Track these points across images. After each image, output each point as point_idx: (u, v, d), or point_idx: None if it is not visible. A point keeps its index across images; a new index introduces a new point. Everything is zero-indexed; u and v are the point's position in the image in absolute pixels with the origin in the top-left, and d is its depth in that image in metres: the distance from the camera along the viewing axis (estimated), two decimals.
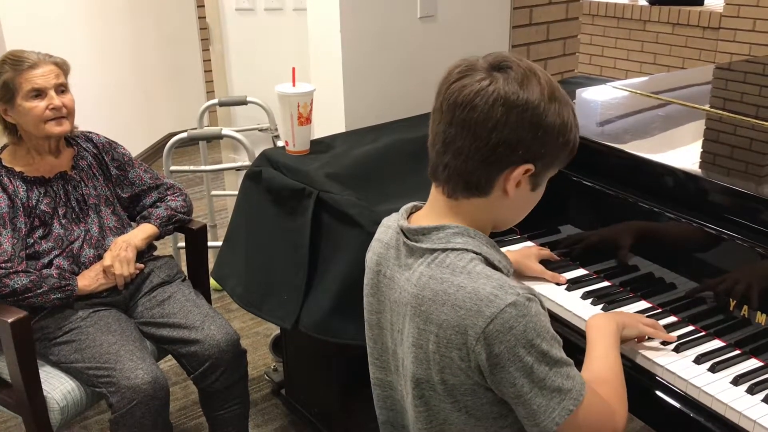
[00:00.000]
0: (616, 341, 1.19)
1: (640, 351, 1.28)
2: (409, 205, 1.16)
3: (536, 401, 1.00)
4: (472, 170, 1.03)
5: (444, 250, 1.05)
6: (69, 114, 1.89)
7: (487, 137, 1.00)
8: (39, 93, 1.83)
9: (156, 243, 2.09)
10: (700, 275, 1.35)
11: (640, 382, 1.25)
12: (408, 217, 1.14)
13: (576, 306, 1.43)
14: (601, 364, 1.15)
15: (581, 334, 1.38)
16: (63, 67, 1.90)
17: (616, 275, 1.51)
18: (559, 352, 1.02)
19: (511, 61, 1.02)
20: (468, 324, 0.99)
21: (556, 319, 1.44)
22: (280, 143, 2.06)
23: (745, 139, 1.72)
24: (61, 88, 1.88)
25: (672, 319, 1.38)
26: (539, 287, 1.50)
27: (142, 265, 1.99)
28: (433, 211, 1.10)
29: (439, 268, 1.04)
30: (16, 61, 1.82)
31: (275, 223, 1.89)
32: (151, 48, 4.73)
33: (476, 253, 1.04)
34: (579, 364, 1.36)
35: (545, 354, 0.99)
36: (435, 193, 1.10)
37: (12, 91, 1.82)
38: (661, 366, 1.25)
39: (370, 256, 1.19)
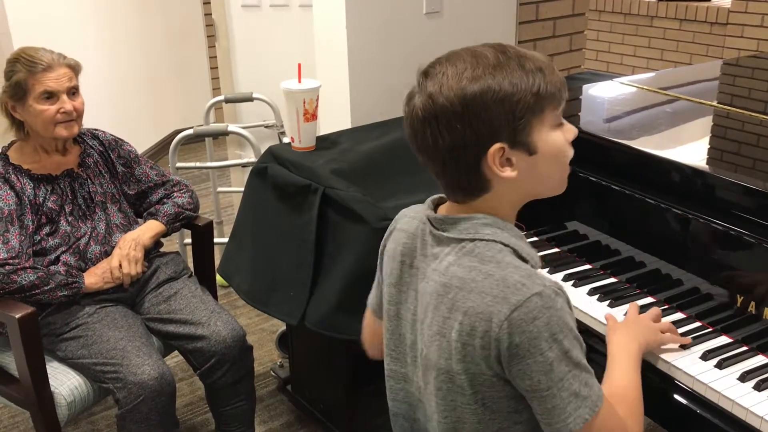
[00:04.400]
0: (637, 362, 1.17)
1: None
2: (435, 196, 1.15)
3: (552, 401, 0.99)
4: (458, 181, 1.04)
5: (472, 240, 1.04)
6: (78, 117, 1.89)
7: (438, 153, 1.02)
8: (51, 95, 1.83)
9: (162, 239, 2.09)
10: (708, 271, 1.34)
11: (647, 379, 1.24)
12: (434, 208, 1.15)
13: (582, 302, 1.43)
14: (622, 383, 1.13)
15: (588, 332, 1.38)
16: (75, 69, 1.89)
17: (622, 271, 1.50)
18: (581, 357, 1.01)
19: (428, 70, 1.04)
20: (493, 311, 0.98)
21: None
22: (285, 140, 2.06)
23: (753, 135, 1.72)
24: (73, 91, 1.88)
25: (679, 315, 1.38)
26: None
27: (146, 265, 1.99)
28: (455, 206, 1.11)
29: (468, 257, 1.04)
30: (31, 62, 1.81)
31: (281, 220, 1.89)
32: (157, 44, 4.74)
33: (505, 245, 1.04)
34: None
35: (566, 353, 0.98)
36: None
37: (24, 91, 1.82)
38: (668, 362, 1.24)
39: (394, 247, 1.18)
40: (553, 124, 1.04)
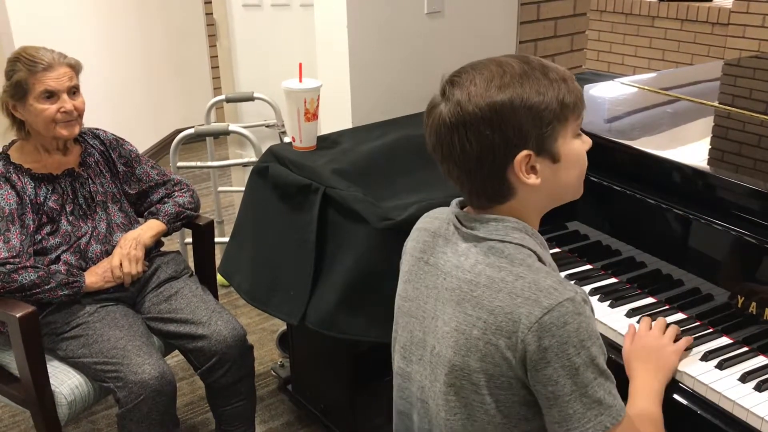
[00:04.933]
0: (660, 398, 1.17)
1: None
2: (459, 199, 1.16)
3: (573, 406, 0.99)
4: (481, 187, 1.06)
5: (502, 241, 1.06)
6: (79, 116, 1.89)
7: (465, 160, 1.03)
8: (51, 95, 1.83)
9: (163, 239, 2.10)
10: (708, 272, 1.34)
11: None
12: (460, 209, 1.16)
13: None
14: (643, 408, 1.13)
15: None
16: (76, 69, 1.89)
17: (623, 272, 1.50)
18: (605, 365, 1.02)
19: (454, 79, 1.04)
20: (523, 312, 0.99)
21: None
22: (286, 139, 2.06)
23: (754, 135, 1.72)
24: (73, 90, 1.88)
25: (679, 315, 1.38)
26: None
27: (146, 265, 2.00)
28: (481, 211, 1.11)
29: (496, 257, 1.05)
30: (31, 62, 1.81)
31: (282, 219, 1.89)
32: (158, 44, 4.74)
33: (532, 251, 1.06)
34: None
35: (593, 360, 0.99)
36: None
37: (24, 90, 1.82)
38: None
39: (413, 245, 1.19)
40: (575, 134, 1.07)
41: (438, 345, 1.09)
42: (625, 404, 1.06)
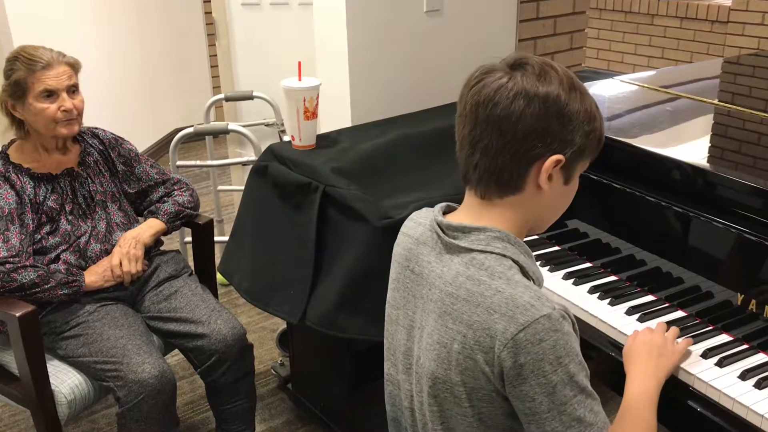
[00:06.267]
0: (655, 400, 1.16)
1: None
2: (443, 204, 1.15)
3: (552, 424, 0.98)
4: (503, 167, 1.03)
5: (483, 251, 1.04)
6: (78, 115, 1.89)
7: (513, 131, 1.00)
8: (51, 93, 1.83)
9: (163, 238, 2.09)
10: (708, 269, 1.34)
11: None
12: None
13: (582, 301, 1.43)
14: (634, 416, 1.12)
15: (587, 331, 1.38)
16: (75, 67, 1.89)
17: (623, 269, 1.50)
18: (586, 382, 1.00)
19: (528, 59, 1.03)
20: (499, 328, 0.98)
21: None
22: (286, 138, 2.06)
23: (754, 133, 1.72)
24: (73, 89, 1.88)
25: (679, 313, 1.38)
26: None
27: (146, 263, 2.00)
28: (468, 212, 1.10)
29: (477, 269, 1.03)
30: (30, 61, 1.81)
31: (281, 218, 1.89)
32: (157, 43, 4.73)
33: (514, 261, 1.04)
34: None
35: (572, 377, 0.98)
36: (469, 197, 1.10)
37: (24, 89, 1.81)
38: None
39: (400, 251, 1.18)
40: (582, 172, 1.08)
41: (422, 356, 1.09)
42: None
